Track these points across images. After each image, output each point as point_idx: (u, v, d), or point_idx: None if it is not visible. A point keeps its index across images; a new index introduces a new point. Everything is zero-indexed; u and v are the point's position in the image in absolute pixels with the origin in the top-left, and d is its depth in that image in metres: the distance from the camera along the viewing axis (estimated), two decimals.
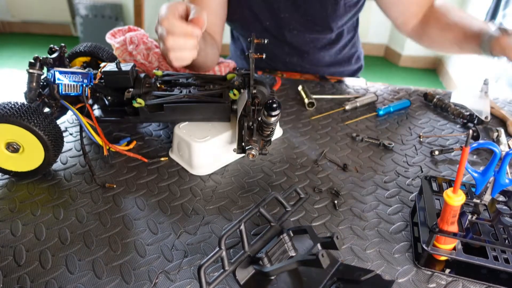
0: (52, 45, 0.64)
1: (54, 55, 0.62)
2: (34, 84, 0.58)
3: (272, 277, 0.42)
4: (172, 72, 0.69)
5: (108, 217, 0.51)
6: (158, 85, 0.64)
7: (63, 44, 0.64)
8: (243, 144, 0.54)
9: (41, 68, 0.59)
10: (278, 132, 0.69)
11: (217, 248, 0.40)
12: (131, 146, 0.64)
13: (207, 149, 0.59)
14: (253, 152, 0.52)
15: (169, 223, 0.51)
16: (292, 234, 0.45)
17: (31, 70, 0.58)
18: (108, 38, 0.84)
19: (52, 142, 0.55)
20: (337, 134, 0.70)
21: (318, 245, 0.43)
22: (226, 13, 0.87)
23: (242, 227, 0.42)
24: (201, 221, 0.51)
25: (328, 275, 0.42)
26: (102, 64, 0.62)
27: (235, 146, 0.55)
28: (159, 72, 0.66)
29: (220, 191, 0.56)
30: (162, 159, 0.62)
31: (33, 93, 0.58)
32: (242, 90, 0.61)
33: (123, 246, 0.47)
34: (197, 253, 0.46)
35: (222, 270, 0.40)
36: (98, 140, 0.58)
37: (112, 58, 0.76)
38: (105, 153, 0.59)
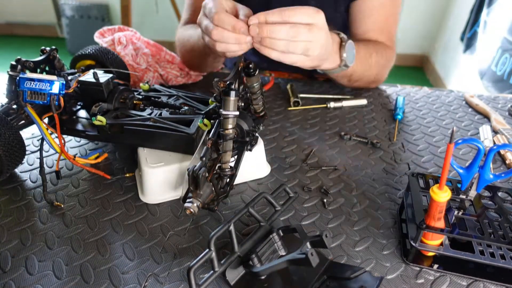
0: (43, 47, 0.61)
1: (39, 58, 0.60)
2: (13, 87, 0.56)
3: (263, 277, 0.42)
4: (159, 87, 0.65)
5: (96, 221, 0.51)
6: (135, 102, 0.59)
7: (54, 47, 0.61)
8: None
9: (22, 71, 0.57)
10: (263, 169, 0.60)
11: (207, 249, 0.40)
12: (100, 160, 0.58)
13: (159, 176, 0.53)
14: (191, 208, 0.43)
15: (158, 225, 0.50)
16: (281, 234, 0.45)
17: (11, 73, 0.56)
18: (97, 37, 0.82)
19: (5, 151, 0.51)
20: (325, 133, 0.70)
21: (308, 244, 0.43)
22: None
23: (232, 227, 0.42)
24: (191, 223, 0.51)
25: (318, 273, 0.42)
26: (83, 73, 0.59)
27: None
28: (146, 87, 0.63)
29: None
30: (127, 175, 0.58)
31: (12, 96, 0.57)
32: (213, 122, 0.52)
33: (111, 250, 0.47)
34: (186, 254, 0.46)
35: (212, 272, 0.40)
36: (57, 150, 0.54)
37: (114, 63, 0.70)
38: (56, 168, 0.55)
